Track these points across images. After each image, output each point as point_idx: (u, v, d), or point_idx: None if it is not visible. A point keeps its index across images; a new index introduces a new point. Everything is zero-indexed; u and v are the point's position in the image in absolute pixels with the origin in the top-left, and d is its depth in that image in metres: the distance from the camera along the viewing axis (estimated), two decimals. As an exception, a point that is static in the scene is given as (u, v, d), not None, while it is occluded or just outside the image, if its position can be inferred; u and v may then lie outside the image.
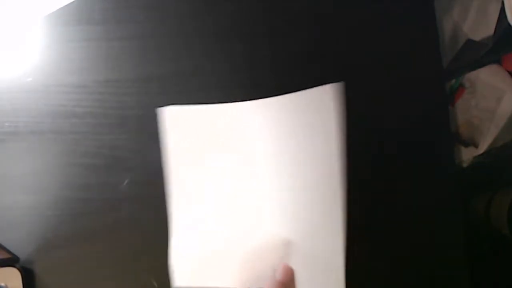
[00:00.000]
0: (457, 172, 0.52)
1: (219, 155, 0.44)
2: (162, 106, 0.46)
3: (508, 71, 0.63)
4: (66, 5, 0.46)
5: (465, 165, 0.63)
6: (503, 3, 0.48)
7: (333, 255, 0.42)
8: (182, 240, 0.43)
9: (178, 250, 0.43)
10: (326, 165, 0.42)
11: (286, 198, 0.43)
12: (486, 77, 0.63)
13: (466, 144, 0.63)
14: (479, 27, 0.59)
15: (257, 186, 0.44)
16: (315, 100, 0.43)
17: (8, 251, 0.42)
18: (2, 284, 0.41)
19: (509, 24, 0.47)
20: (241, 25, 0.48)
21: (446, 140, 0.50)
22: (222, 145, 0.44)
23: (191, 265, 0.43)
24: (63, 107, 0.45)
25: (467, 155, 0.63)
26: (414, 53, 0.50)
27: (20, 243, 0.43)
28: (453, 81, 0.63)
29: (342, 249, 0.41)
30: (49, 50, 0.45)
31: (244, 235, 0.43)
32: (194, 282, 0.43)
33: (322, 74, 0.48)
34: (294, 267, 0.40)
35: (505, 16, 0.47)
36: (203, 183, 0.44)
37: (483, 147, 0.62)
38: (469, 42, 0.60)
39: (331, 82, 0.48)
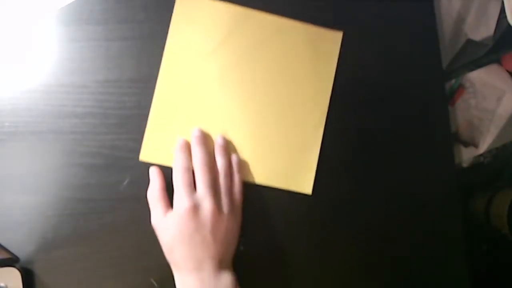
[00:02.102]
0: (457, 172, 0.52)
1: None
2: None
3: (508, 71, 0.63)
4: (66, 5, 0.46)
5: (465, 165, 0.63)
6: (503, 3, 0.48)
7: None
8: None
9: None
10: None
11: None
12: (486, 77, 0.63)
13: (466, 144, 0.63)
14: (479, 27, 0.59)
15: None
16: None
17: (8, 251, 0.42)
18: (2, 284, 0.41)
19: (509, 24, 0.47)
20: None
21: (446, 140, 0.50)
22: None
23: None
24: (63, 107, 0.45)
25: (467, 155, 0.63)
26: (414, 53, 0.50)
27: (20, 243, 0.43)
28: (453, 81, 0.63)
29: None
30: (49, 50, 0.45)
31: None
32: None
33: (322, 74, 0.48)
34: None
35: (505, 16, 0.47)
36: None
37: (483, 147, 0.62)
38: (469, 42, 0.60)
39: (334, 81, 0.48)
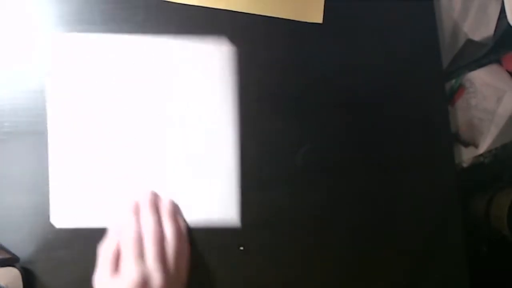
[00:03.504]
0: (457, 172, 0.52)
1: (107, 89, 0.44)
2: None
3: (508, 71, 0.63)
4: (67, 5, 0.46)
5: (465, 165, 0.63)
6: (503, 3, 0.48)
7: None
8: (62, 178, 0.43)
9: (57, 188, 0.43)
10: (220, 108, 0.45)
11: (175, 138, 0.44)
12: (486, 77, 0.63)
13: (466, 144, 0.63)
14: (479, 27, 0.59)
15: (144, 124, 0.44)
16: (210, 50, 0.45)
17: (8, 251, 0.42)
18: (2, 284, 0.41)
19: (509, 24, 0.47)
20: (241, 25, 0.48)
21: (446, 140, 0.50)
22: (112, 79, 0.44)
23: (71, 205, 0.43)
24: (63, 107, 0.45)
25: (467, 155, 0.63)
26: (414, 53, 0.50)
27: (20, 243, 0.43)
28: (453, 81, 0.63)
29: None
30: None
31: (126, 175, 0.44)
32: (74, 223, 0.43)
33: (323, 75, 0.48)
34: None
35: (505, 16, 0.47)
36: (87, 117, 0.43)
37: (483, 147, 0.62)
38: (469, 42, 0.60)
39: (334, 81, 0.49)
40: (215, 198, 0.44)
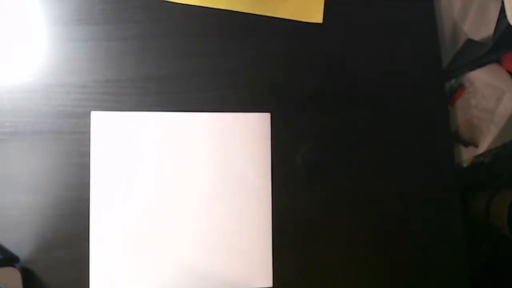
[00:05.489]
0: (457, 172, 0.52)
1: (146, 164, 0.45)
2: (162, 106, 0.46)
3: (508, 71, 0.63)
4: (66, 5, 0.46)
5: (465, 165, 0.63)
6: (503, 3, 0.48)
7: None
8: (103, 248, 0.43)
9: (98, 257, 0.43)
10: (256, 182, 0.45)
11: (212, 212, 0.45)
12: (486, 77, 0.63)
13: (466, 144, 0.63)
14: (479, 27, 0.59)
15: (183, 197, 0.45)
16: (250, 124, 0.46)
17: (8, 251, 0.42)
18: (2, 284, 0.41)
19: (509, 24, 0.47)
20: (241, 25, 0.48)
21: (446, 140, 0.50)
22: (151, 154, 0.45)
23: (111, 272, 0.43)
24: (63, 107, 0.45)
25: (467, 155, 0.63)
26: (414, 53, 0.50)
27: (20, 243, 0.43)
28: (453, 81, 0.63)
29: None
30: (49, 50, 0.45)
31: (168, 242, 0.44)
32: None
33: (323, 75, 0.48)
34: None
35: (505, 16, 0.47)
36: (128, 190, 0.44)
37: (483, 146, 0.62)
38: (469, 42, 0.60)
39: (334, 81, 0.49)
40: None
